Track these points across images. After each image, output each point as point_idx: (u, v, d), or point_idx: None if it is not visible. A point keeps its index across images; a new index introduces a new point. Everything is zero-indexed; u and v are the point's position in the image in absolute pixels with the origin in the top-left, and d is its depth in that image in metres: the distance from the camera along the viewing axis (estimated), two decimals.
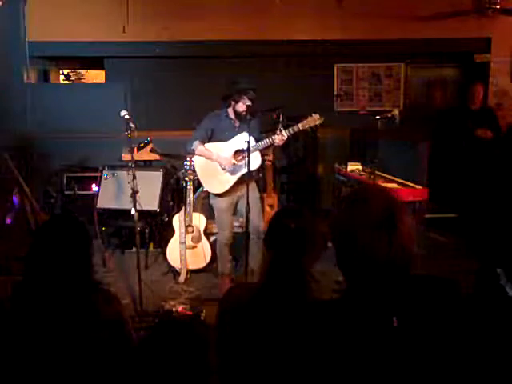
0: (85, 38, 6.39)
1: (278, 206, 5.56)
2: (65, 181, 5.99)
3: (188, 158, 4.60)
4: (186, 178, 4.60)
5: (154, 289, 4.31)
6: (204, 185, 4.41)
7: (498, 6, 6.23)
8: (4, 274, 4.60)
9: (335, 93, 6.97)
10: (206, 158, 4.32)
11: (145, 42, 6.47)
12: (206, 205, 5.12)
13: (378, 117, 4.60)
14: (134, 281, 4.10)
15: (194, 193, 4.85)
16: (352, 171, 5.23)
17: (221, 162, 4.24)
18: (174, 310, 3.81)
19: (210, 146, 4.33)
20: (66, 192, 5.95)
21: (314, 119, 4.13)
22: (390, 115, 4.58)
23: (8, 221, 5.11)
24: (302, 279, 1.69)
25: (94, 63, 7.40)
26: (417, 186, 4.54)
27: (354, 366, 1.29)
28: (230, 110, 4.25)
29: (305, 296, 1.66)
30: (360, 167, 5.25)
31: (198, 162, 4.39)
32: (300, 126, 4.12)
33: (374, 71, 7.04)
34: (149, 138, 5.41)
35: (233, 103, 4.18)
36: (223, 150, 4.26)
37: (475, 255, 4.63)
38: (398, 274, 1.29)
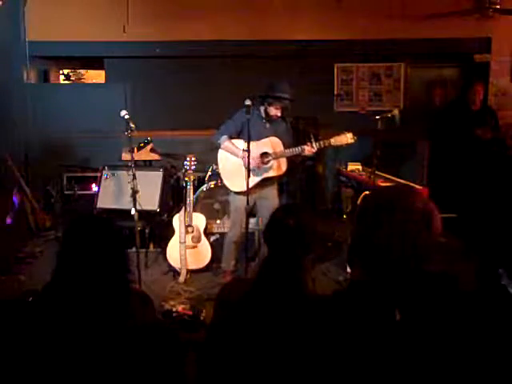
0: (85, 38, 6.40)
1: (278, 206, 5.56)
2: (65, 181, 5.99)
3: (188, 158, 4.61)
4: (186, 178, 4.60)
5: (154, 289, 4.31)
6: (224, 181, 4.35)
7: (498, 6, 6.23)
8: (4, 274, 4.61)
9: (335, 93, 6.97)
10: (232, 154, 4.25)
11: (145, 42, 6.47)
12: (206, 205, 5.13)
13: (377, 117, 4.60)
14: (134, 281, 4.10)
15: (194, 193, 4.85)
16: (352, 171, 5.23)
17: (246, 161, 4.12)
18: (173, 309, 3.80)
19: (237, 142, 4.25)
20: (66, 192, 5.96)
21: (347, 138, 4.14)
22: (390, 115, 4.59)
23: (8, 221, 5.11)
24: (298, 276, 1.70)
25: (94, 63, 7.40)
26: (417, 186, 4.54)
27: (355, 359, 1.29)
28: (263, 110, 4.22)
29: (301, 292, 1.66)
30: (360, 167, 5.25)
31: (221, 156, 4.33)
32: (332, 141, 4.14)
33: (374, 71, 7.03)
34: (149, 138, 5.41)
35: (266, 104, 4.16)
36: (251, 149, 4.12)
37: (475, 255, 4.63)
38: (416, 269, 1.34)
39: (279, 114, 4.18)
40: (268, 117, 4.18)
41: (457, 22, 6.36)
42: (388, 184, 4.65)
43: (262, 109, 4.20)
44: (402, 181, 4.73)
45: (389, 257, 1.33)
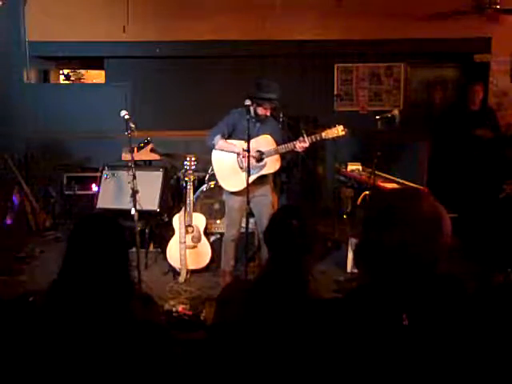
0: (85, 38, 6.40)
1: (278, 206, 5.56)
2: (65, 181, 5.99)
3: (188, 158, 4.60)
4: (186, 178, 4.60)
5: (154, 289, 4.30)
6: (219, 181, 4.36)
7: (498, 6, 6.23)
8: (4, 273, 4.61)
9: (335, 93, 6.96)
10: (228, 151, 4.26)
11: (145, 41, 6.47)
12: (206, 205, 5.13)
13: (378, 117, 4.60)
14: (134, 281, 4.09)
15: (194, 193, 4.85)
16: (352, 171, 5.23)
17: (245, 160, 4.15)
18: (173, 309, 3.80)
19: (231, 142, 4.28)
20: (66, 192, 5.96)
21: (338, 130, 4.13)
22: (390, 115, 4.59)
23: (8, 221, 5.11)
24: (301, 277, 1.69)
25: (94, 63, 7.40)
26: (417, 186, 4.54)
27: (360, 364, 1.29)
28: (252, 110, 4.22)
29: (304, 294, 1.66)
30: (360, 167, 5.25)
31: (215, 157, 4.34)
32: (323, 134, 4.14)
33: (374, 71, 7.03)
34: (149, 138, 5.41)
35: (254, 105, 4.17)
36: (244, 148, 4.15)
37: (475, 255, 4.63)
38: (427, 272, 1.33)
39: (268, 114, 4.22)
40: (257, 116, 4.19)
41: (457, 22, 6.36)
42: (389, 184, 4.65)
43: (251, 108, 4.22)
44: (402, 181, 4.72)
45: (399, 261, 1.32)
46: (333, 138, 4.18)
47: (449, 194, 5.32)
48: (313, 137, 4.13)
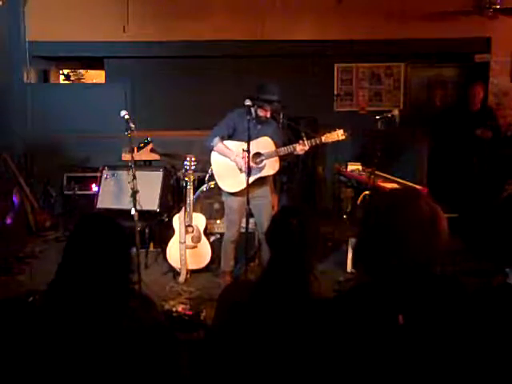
0: (85, 38, 6.40)
1: (279, 206, 5.56)
2: (65, 181, 5.99)
3: (188, 158, 4.60)
4: (186, 178, 4.59)
5: (154, 289, 4.30)
6: (218, 182, 4.36)
7: (498, 6, 6.23)
8: (4, 274, 4.61)
9: (335, 93, 6.97)
10: (224, 156, 4.28)
11: (145, 42, 6.47)
12: (206, 205, 5.12)
13: (377, 117, 4.60)
14: (134, 281, 4.09)
15: (194, 193, 4.85)
16: (352, 171, 5.22)
17: (239, 162, 4.19)
18: (173, 309, 3.80)
19: (230, 144, 4.28)
20: (66, 192, 5.96)
21: (338, 134, 4.14)
22: (390, 115, 4.59)
23: (8, 221, 5.11)
24: (303, 276, 1.69)
25: (94, 63, 7.40)
26: (417, 186, 4.54)
27: (358, 363, 1.29)
28: (253, 111, 4.22)
29: (306, 293, 1.66)
30: (360, 167, 5.25)
31: (214, 158, 4.35)
32: (323, 138, 4.15)
33: (374, 71, 7.04)
34: (149, 138, 5.41)
35: (255, 106, 4.16)
36: (243, 150, 4.15)
37: (475, 255, 4.63)
38: (424, 272, 1.34)
39: (268, 115, 4.22)
40: (258, 118, 4.19)
41: (457, 22, 6.36)
42: (389, 184, 4.64)
43: (252, 110, 4.21)
44: (401, 181, 4.72)
45: (396, 260, 1.32)
46: (332, 142, 4.19)
47: (449, 194, 5.34)
48: (312, 141, 4.14)
